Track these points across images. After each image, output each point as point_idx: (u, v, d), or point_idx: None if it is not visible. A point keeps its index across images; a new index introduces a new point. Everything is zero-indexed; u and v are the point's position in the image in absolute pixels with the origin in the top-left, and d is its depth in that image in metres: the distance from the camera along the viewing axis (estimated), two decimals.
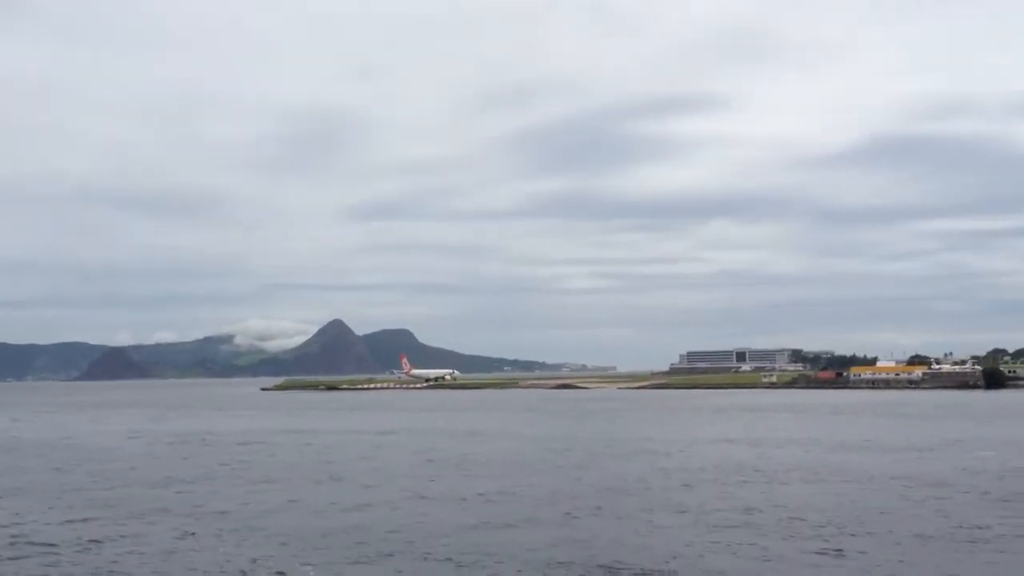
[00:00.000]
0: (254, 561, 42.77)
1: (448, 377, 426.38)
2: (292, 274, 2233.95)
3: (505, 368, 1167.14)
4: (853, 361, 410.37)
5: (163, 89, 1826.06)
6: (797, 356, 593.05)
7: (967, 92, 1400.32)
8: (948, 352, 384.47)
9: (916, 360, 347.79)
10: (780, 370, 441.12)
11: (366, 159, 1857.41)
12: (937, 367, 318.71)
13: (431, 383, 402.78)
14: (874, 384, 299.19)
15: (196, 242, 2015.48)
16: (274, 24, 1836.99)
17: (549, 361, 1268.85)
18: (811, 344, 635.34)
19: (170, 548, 46.40)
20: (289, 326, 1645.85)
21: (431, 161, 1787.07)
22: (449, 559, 42.40)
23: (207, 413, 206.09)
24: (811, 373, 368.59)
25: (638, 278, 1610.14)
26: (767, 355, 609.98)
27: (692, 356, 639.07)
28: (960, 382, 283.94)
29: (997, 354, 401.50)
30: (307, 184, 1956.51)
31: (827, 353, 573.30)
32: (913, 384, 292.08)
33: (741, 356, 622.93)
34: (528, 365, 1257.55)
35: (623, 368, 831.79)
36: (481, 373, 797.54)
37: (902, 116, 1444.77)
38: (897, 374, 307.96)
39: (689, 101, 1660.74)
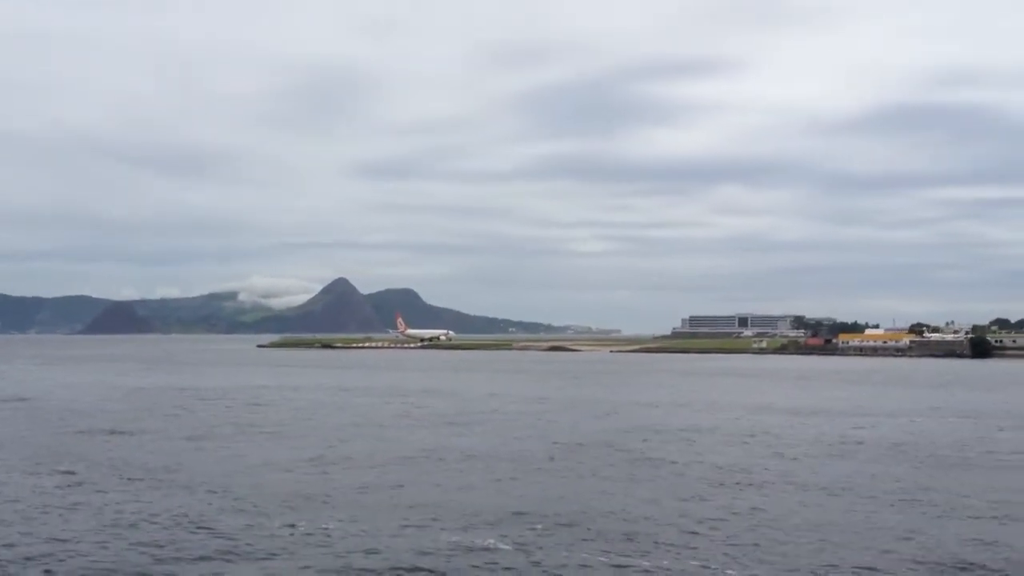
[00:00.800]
0: (123, 507, 44.25)
1: (443, 337, 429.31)
2: (298, 232, 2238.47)
3: (510, 329, 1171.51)
4: (854, 328, 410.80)
5: (173, 44, 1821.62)
6: (799, 323, 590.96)
7: (981, 59, 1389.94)
8: (950, 321, 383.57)
9: (916, 328, 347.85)
10: (780, 335, 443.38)
11: (374, 117, 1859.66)
12: (929, 336, 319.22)
13: (425, 343, 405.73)
14: (862, 351, 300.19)
15: (202, 198, 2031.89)
16: None
17: (555, 323, 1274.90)
18: (816, 311, 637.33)
19: (53, 499, 47.80)
20: (294, 284, 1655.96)
21: (439, 120, 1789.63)
22: (303, 516, 43.69)
23: (191, 369, 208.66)
24: (801, 339, 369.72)
25: (646, 242, 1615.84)
26: (769, 321, 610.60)
27: (694, 321, 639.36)
28: (947, 351, 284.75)
29: (998, 324, 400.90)
30: (314, 141, 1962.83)
31: (829, 320, 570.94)
32: (900, 352, 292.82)
33: (743, 321, 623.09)
34: (533, 327, 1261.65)
35: (627, 331, 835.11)
36: (486, 334, 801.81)
37: (914, 83, 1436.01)
38: (885, 342, 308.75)
39: (700, 65, 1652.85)
